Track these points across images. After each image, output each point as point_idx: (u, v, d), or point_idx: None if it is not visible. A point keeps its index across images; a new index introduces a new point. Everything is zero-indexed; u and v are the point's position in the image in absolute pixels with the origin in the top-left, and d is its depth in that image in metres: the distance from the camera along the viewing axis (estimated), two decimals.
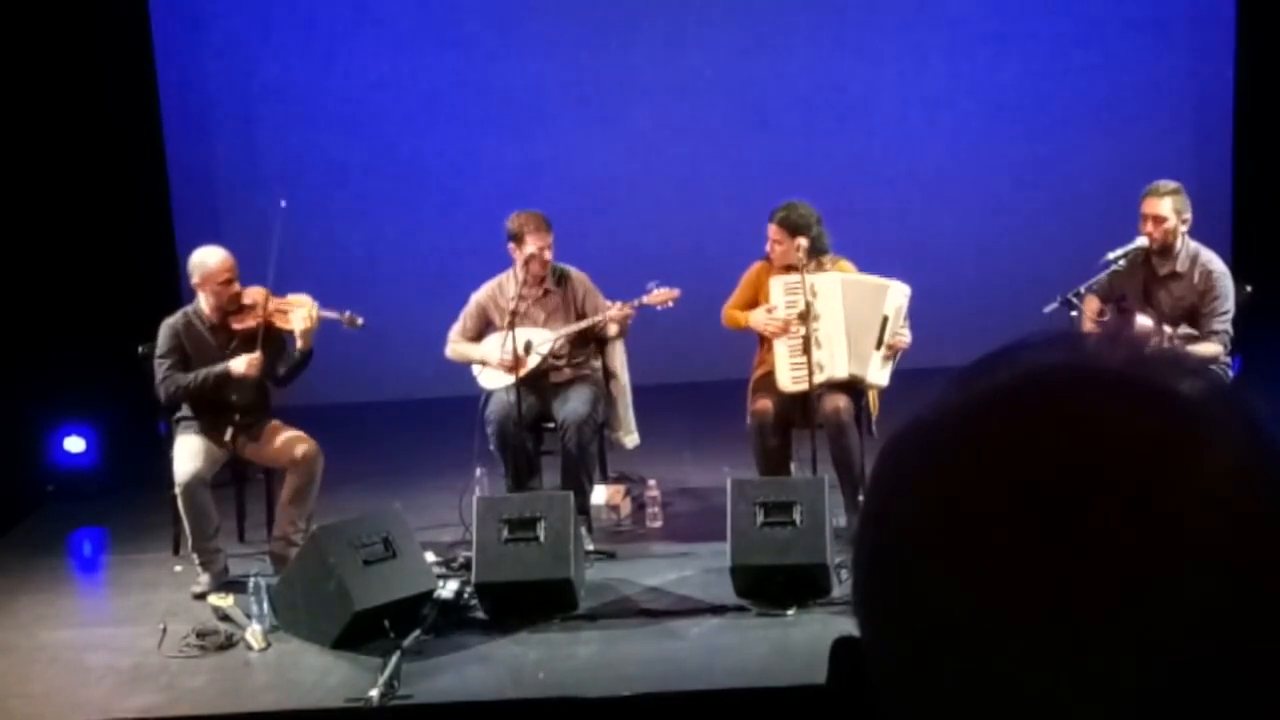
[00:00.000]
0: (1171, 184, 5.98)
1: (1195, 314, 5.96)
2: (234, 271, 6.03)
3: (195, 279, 6.05)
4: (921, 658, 0.66)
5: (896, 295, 5.98)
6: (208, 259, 6.04)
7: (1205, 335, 5.89)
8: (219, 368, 5.97)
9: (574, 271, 6.47)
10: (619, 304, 6.30)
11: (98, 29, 8.14)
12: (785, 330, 6.08)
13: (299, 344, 6.11)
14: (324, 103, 8.87)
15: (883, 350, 5.97)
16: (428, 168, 8.92)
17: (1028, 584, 0.63)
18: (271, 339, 6.10)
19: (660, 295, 6.31)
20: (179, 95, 8.75)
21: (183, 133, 8.79)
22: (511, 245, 6.33)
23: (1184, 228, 5.98)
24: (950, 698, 0.65)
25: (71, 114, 7.93)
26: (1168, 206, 5.93)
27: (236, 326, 6.07)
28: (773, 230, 6.14)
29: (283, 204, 6.16)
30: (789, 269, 6.12)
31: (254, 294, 6.11)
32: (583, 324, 6.37)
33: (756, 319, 6.18)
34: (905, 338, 6.01)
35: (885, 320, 5.95)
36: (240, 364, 5.96)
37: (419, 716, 4.90)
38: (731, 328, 6.34)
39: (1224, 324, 5.92)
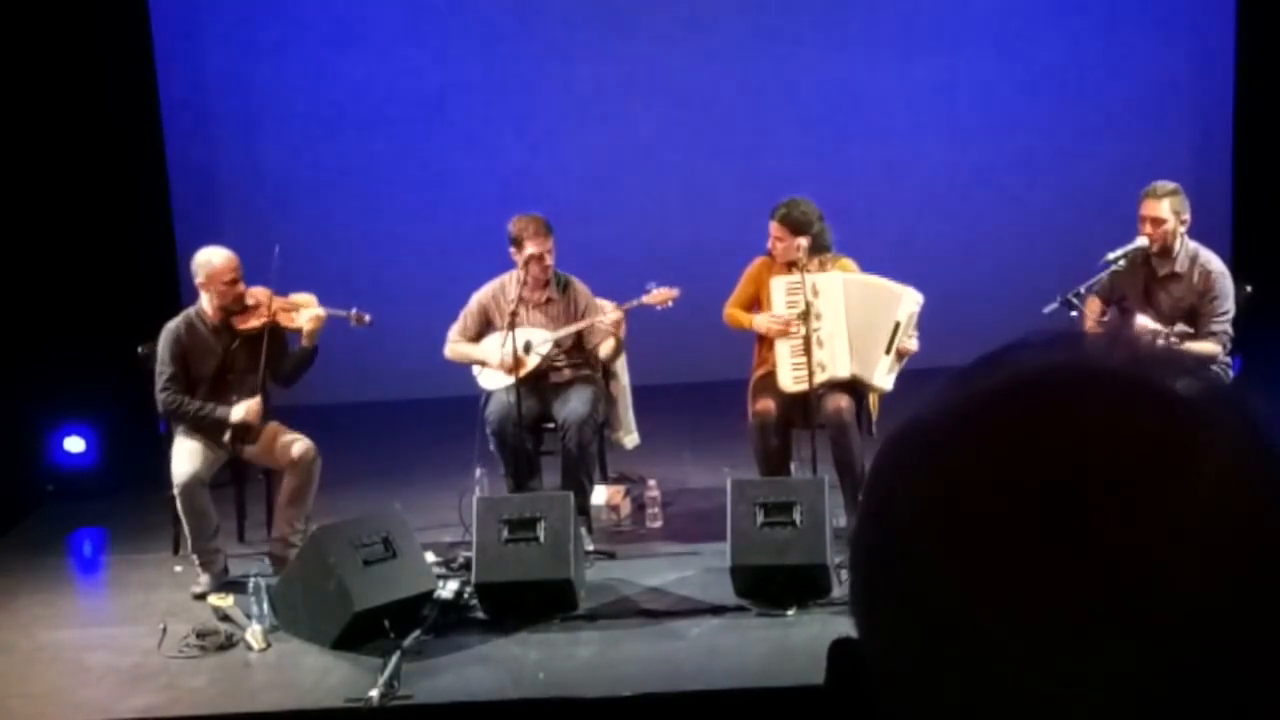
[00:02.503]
0: (1169, 185, 5.98)
1: (1195, 314, 5.95)
2: (239, 271, 6.03)
3: (199, 278, 6.04)
4: (921, 658, 0.66)
5: (909, 303, 5.98)
6: (213, 258, 6.04)
7: (1204, 335, 5.89)
8: (221, 410, 5.98)
9: (577, 282, 6.46)
10: (613, 306, 6.27)
11: (98, 29, 8.13)
12: (786, 330, 6.09)
13: (304, 341, 6.12)
14: (324, 103, 8.87)
15: (892, 355, 5.97)
16: (428, 168, 8.92)
17: (1028, 584, 0.63)
18: (275, 338, 6.10)
19: (659, 295, 6.30)
20: (179, 95, 8.75)
21: (183, 133, 8.78)
22: (512, 249, 6.33)
23: (1183, 228, 5.98)
24: (950, 698, 0.65)
25: (72, 115, 7.92)
26: (1166, 208, 5.92)
27: (240, 327, 6.07)
28: (774, 228, 6.14)
29: (276, 249, 6.12)
30: (790, 266, 6.12)
31: (257, 294, 6.11)
32: (581, 324, 6.36)
33: (760, 322, 6.18)
34: (913, 344, 6.01)
35: (897, 326, 5.95)
36: (240, 411, 5.97)
37: (419, 716, 4.90)
38: (734, 327, 6.34)
39: (1223, 324, 5.92)
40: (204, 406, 5.99)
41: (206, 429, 6.01)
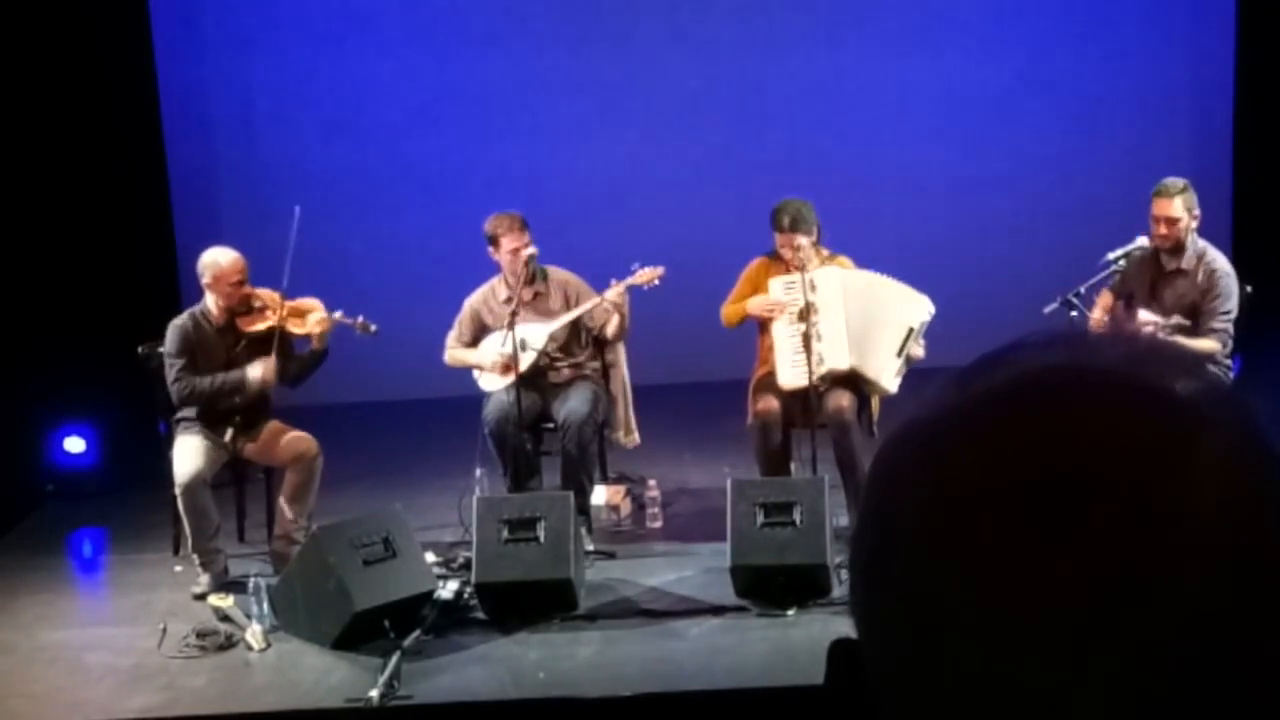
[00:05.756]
0: (1180, 182, 5.97)
1: (1197, 311, 5.96)
2: (245, 273, 6.04)
3: (206, 279, 6.05)
4: (920, 658, 0.66)
5: (922, 310, 6.00)
6: (220, 259, 6.04)
7: (1204, 332, 5.89)
8: (235, 374, 5.99)
9: (556, 270, 6.48)
10: (614, 282, 6.28)
11: (98, 29, 8.13)
12: (783, 310, 6.07)
13: (314, 344, 6.13)
14: (324, 103, 8.87)
15: (902, 360, 5.98)
16: (427, 167, 8.92)
17: (1026, 584, 0.63)
18: (282, 341, 6.11)
19: (646, 274, 6.31)
20: (179, 95, 8.75)
21: (183, 133, 8.78)
22: (490, 249, 6.35)
23: (1194, 224, 5.98)
24: (949, 698, 0.65)
25: (72, 114, 7.92)
26: (1179, 206, 5.92)
27: (245, 328, 6.07)
28: (788, 238, 6.06)
29: (297, 210, 6.13)
30: (800, 268, 6.11)
31: (264, 296, 6.11)
32: (576, 311, 6.37)
33: (754, 304, 6.17)
34: (920, 350, 6.02)
35: (910, 332, 5.97)
36: (257, 370, 5.98)
37: (419, 716, 4.90)
38: (731, 323, 6.32)
39: (1224, 323, 5.93)
40: (217, 378, 5.99)
41: (219, 415, 6.00)
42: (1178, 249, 5.97)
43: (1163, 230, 5.93)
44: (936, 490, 0.67)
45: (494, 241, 6.32)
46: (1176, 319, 5.87)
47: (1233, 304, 5.95)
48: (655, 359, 7.41)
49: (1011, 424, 0.66)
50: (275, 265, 6.21)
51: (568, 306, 6.40)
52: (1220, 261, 6.00)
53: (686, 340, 7.91)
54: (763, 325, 6.27)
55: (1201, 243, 6.02)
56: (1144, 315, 5.90)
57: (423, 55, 8.84)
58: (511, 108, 8.87)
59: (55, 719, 5.14)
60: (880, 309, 6.06)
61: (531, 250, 6.28)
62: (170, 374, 6.03)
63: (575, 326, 6.44)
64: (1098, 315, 6.03)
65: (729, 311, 6.31)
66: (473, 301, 6.48)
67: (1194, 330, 5.88)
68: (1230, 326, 5.94)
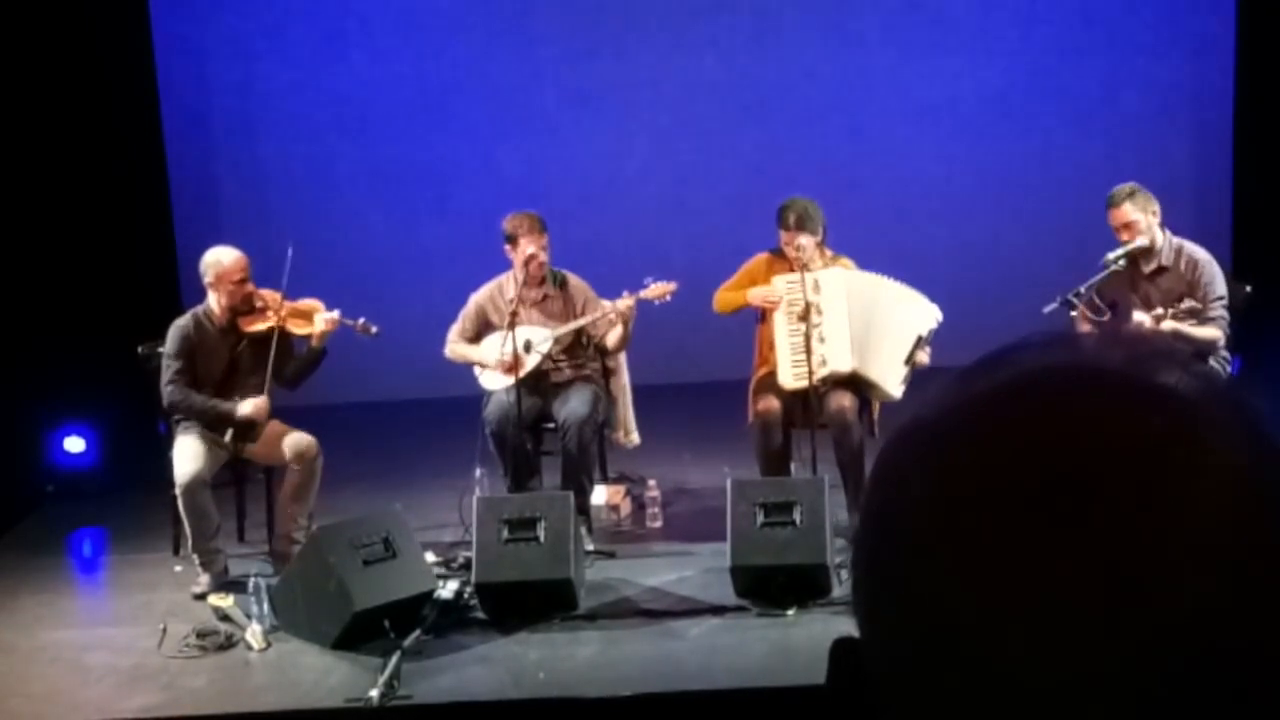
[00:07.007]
0: (1126, 187, 6.02)
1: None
2: (247, 271, 6.05)
3: (208, 278, 6.05)
4: (921, 658, 0.66)
5: (929, 318, 6.00)
6: (222, 258, 6.05)
7: (1203, 322, 5.90)
8: (227, 405, 6.00)
9: (573, 277, 6.47)
10: (625, 293, 6.28)
11: (98, 29, 8.14)
12: (778, 304, 6.06)
13: (313, 343, 6.13)
14: (324, 102, 8.87)
15: (909, 367, 5.98)
16: (428, 167, 8.92)
17: (1028, 584, 0.63)
18: (282, 342, 6.11)
19: (657, 289, 6.30)
20: (179, 95, 8.75)
21: (183, 133, 8.79)
22: (507, 247, 6.34)
23: (1156, 220, 6.01)
24: (950, 698, 0.65)
25: (72, 115, 7.92)
26: (1132, 209, 5.96)
27: (247, 328, 6.08)
28: (793, 235, 6.07)
29: (290, 250, 6.11)
30: (804, 266, 6.10)
31: (266, 296, 6.12)
32: (583, 320, 6.36)
33: (756, 293, 6.15)
34: (925, 357, 6.02)
35: (919, 340, 5.97)
36: (248, 407, 5.98)
37: (419, 716, 4.90)
38: (724, 310, 6.28)
39: (1219, 309, 5.95)
40: (209, 400, 6.01)
41: (211, 424, 6.01)
42: (1151, 250, 5.99)
43: (1126, 238, 5.96)
44: (937, 490, 0.67)
45: (512, 240, 6.31)
46: (1189, 303, 5.86)
47: (1223, 289, 5.96)
48: (655, 359, 7.41)
49: (1012, 424, 0.67)
50: (274, 267, 6.20)
51: (576, 315, 6.38)
52: (1199, 252, 6.03)
53: (686, 340, 7.92)
54: (762, 318, 6.27)
55: (1175, 239, 6.05)
56: (1139, 318, 5.90)
57: (423, 55, 8.84)
58: (512, 109, 8.88)
59: (55, 719, 5.14)
60: (885, 312, 6.05)
61: (544, 258, 6.28)
62: (165, 374, 6.02)
63: (579, 331, 6.44)
64: (1082, 326, 6.03)
65: (724, 298, 6.28)
66: (479, 298, 6.47)
67: (1201, 309, 5.88)
68: (1226, 312, 5.96)
